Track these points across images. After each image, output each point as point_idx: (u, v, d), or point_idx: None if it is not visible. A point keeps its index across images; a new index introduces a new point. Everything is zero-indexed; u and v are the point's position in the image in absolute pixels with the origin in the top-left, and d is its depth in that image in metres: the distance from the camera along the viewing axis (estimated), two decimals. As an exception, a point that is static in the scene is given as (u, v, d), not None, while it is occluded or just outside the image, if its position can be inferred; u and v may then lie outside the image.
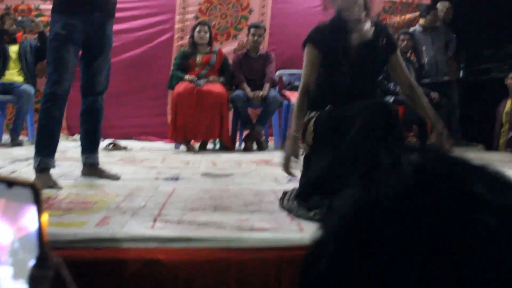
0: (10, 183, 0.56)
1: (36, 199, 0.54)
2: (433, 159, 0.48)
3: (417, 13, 6.45)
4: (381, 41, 2.50)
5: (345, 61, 2.44)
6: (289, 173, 2.47)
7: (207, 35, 5.27)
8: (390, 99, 5.56)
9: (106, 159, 3.77)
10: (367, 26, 2.52)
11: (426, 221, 0.42)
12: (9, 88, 5.23)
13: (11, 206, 0.56)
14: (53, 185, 2.85)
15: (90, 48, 3.14)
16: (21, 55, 5.39)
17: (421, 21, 6.15)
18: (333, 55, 2.47)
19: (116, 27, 5.90)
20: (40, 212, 0.55)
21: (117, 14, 5.87)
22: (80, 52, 3.16)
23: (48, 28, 3.76)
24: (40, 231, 0.55)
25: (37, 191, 0.54)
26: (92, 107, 3.20)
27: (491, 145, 5.85)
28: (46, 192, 2.66)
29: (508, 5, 5.91)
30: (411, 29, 6.09)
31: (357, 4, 2.47)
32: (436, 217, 0.42)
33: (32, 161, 3.04)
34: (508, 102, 5.74)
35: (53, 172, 3.02)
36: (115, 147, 5.03)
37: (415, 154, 0.49)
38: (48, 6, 5.79)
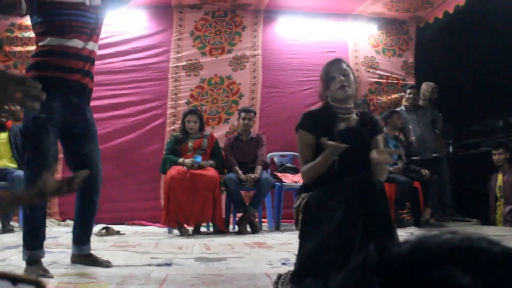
0: (15, 280, 0.57)
1: None
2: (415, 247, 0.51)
3: (402, 94, 6.67)
4: (365, 129, 2.63)
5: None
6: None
7: (197, 124, 5.36)
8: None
9: (98, 244, 3.73)
10: (353, 115, 2.68)
11: None
12: (3, 174, 5.24)
13: None
14: (44, 274, 2.80)
15: (73, 137, 3.08)
16: (11, 142, 5.44)
17: (403, 100, 6.36)
18: (320, 137, 2.55)
19: (110, 113, 6.14)
20: None
21: (111, 101, 6.16)
22: (64, 146, 3.11)
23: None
24: None
25: (41, 286, 0.55)
26: (88, 200, 3.14)
27: (486, 220, 5.86)
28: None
29: (491, 83, 6.14)
30: (398, 109, 6.27)
31: (352, 97, 2.67)
32: None
33: (21, 249, 3.00)
34: (499, 176, 5.81)
35: (44, 259, 2.98)
36: (108, 232, 4.98)
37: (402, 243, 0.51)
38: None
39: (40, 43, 3.04)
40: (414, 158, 6.04)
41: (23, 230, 3.06)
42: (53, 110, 2.92)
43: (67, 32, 3.00)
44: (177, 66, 6.48)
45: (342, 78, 2.61)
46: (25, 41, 6.23)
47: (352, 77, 2.67)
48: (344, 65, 2.69)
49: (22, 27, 6.27)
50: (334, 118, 2.62)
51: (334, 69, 2.66)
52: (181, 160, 5.17)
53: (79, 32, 3.05)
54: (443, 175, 6.21)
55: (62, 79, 2.99)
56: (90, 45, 3.11)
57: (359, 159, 2.57)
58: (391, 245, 0.51)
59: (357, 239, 2.13)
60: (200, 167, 5.12)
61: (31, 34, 6.28)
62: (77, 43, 3.03)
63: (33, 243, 2.95)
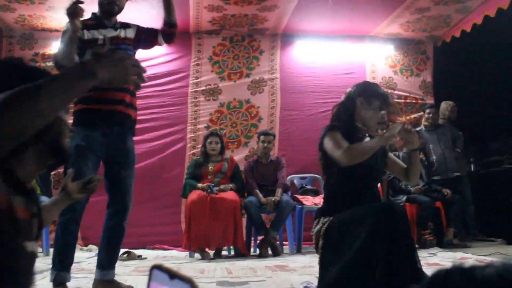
0: (173, 275, 0.63)
1: None
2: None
3: (421, 113, 6.64)
4: (383, 148, 2.65)
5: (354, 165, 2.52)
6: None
7: (219, 145, 5.43)
8: (403, 198, 5.58)
9: (120, 269, 3.75)
10: (366, 138, 2.68)
11: None
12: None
13: None
14: None
15: (113, 163, 3.21)
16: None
17: (423, 120, 6.33)
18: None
19: (130, 139, 6.21)
20: None
21: (132, 127, 6.22)
22: (104, 170, 3.23)
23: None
24: None
25: (195, 286, 0.61)
26: (118, 225, 3.22)
27: (511, 239, 5.75)
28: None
29: (510, 99, 6.10)
30: (417, 129, 6.24)
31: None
32: None
33: (46, 274, 3.05)
34: (524, 194, 5.73)
35: (68, 285, 3.01)
36: (130, 256, 5.02)
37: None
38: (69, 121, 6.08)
39: None
40: (436, 178, 5.99)
41: (53, 251, 3.12)
42: (94, 139, 3.09)
43: None
44: (196, 91, 6.57)
45: (385, 115, 2.59)
46: (48, 70, 6.38)
47: None
48: (389, 100, 2.65)
49: (45, 57, 6.44)
50: (353, 136, 2.59)
51: (379, 98, 2.61)
52: (199, 185, 5.21)
53: None
54: (465, 194, 6.13)
55: (106, 110, 3.13)
56: None
57: (373, 180, 2.57)
58: (472, 268, 0.55)
59: (378, 266, 2.12)
60: (221, 191, 5.15)
61: (54, 63, 6.45)
62: None
63: (61, 265, 3.01)
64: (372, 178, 2.57)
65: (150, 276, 0.66)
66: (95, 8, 3.35)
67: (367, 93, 2.62)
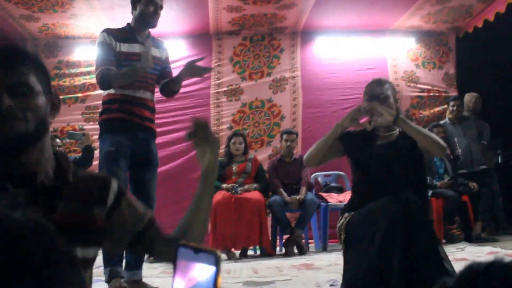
0: (197, 249, 0.68)
1: (216, 263, 0.66)
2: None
3: (445, 106, 6.55)
4: (407, 142, 2.59)
5: (370, 160, 2.54)
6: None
7: (242, 145, 5.46)
8: (428, 192, 5.52)
9: (148, 271, 3.80)
10: (396, 132, 2.68)
11: None
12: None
13: (198, 267, 0.68)
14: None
15: (137, 166, 3.31)
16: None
17: (447, 113, 6.24)
18: (359, 151, 2.62)
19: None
20: (217, 273, 0.65)
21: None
22: (129, 174, 3.33)
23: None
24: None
25: (218, 257, 0.66)
26: None
27: (542, 231, 5.64)
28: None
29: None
30: (441, 122, 6.16)
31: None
32: None
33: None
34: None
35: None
36: (157, 259, 5.07)
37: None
38: (91, 126, 6.19)
39: (109, 92, 3.31)
40: (462, 171, 5.90)
41: (102, 251, 3.21)
42: (121, 143, 3.23)
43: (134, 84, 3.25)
44: (218, 92, 6.61)
45: (378, 104, 2.59)
46: (72, 77, 6.52)
47: (392, 99, 2.66)
48: (384, 87, 2.67)
49: (69, 64, 6.57)
50: (374, 135, 2.65)
51: (373, 93, 2.66)
52: (223, 185, 5.25)
53: (145, 83, 3.32)
54: (493, 187, 6.02)
55: (128, 119, 3.27)
56: (148, 95, 3.38)
57: (398, 175, 2.56)
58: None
59: (396, 260, 2.11)
60: (245, 191, 5.17)
61: (78, 70, 6.57)
62: (142, 93, 3.32)
63: (112, 260, 3.16)
64: (392, 174, 2.55)
65: (176, 255, 0.70)
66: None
67: (366, 96, 2.71)
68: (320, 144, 2.63)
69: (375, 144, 2.62)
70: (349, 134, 2.71)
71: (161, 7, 3.35)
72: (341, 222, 2.59)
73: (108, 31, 3.29)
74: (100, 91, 3.61)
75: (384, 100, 2.61)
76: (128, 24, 3.39)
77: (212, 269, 0.66)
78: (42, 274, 0.56)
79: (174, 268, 0.70)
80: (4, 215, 0.58)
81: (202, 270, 0.67)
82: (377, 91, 2.65)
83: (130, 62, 3.19)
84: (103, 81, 3.18)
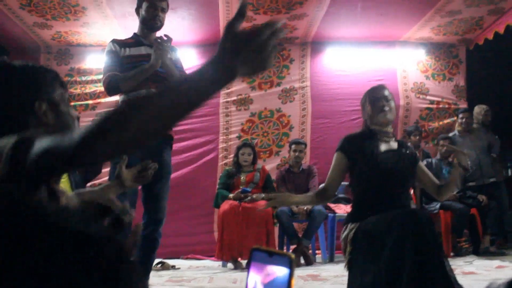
0: (272, 253, 0.72)
1: (290, 265, 0.69)
2: None
3: (455, 118, 6.54)
4: (404, 150, 2.72)
5: (373, 165, 2.57)
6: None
7: (251, 157, 5.47)
8: (436, 205, 5.51)
9: (154, 279, 3.82)
10: (393, 140, 2.77)
11: None
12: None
13: (271, 270, 0.72)
14: None
15: None
16: (71, 180, 5.66)
17: (457, 125, 6.22)
18: (362, 159, 2.64)
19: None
20: (291, 275, 0.69)
21: (164, 138, 6.32)
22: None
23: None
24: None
25: (291, 259, 0.69)
26: (151, 236, 3.26)
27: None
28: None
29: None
30: (450, 134, 6.15)
31: (391, 122, 2.75)
32: None
33: None
34: None
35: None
36: (163, 266, 5.09)
37: None
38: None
39: (121, 97, 3.31)
40: (471, 184, 5.88)
41: None
42: (132, 153, 3.16)
43: (144, 84, 3.19)
44: (227, 101, 6.63)
45: (385, 102, 2.69)
46: (83, 84, 6.58)
47: (393, 104, 2.75)
48: (386, 92, 2.76)
49: (80, 71, 6.63)
50: (375, 140, 2.69)
51: (376, 94, 2.73)
52: (230, 195, 5.25)
53: (159, 82, 3.25)
54: (503, 200, 5.98)
55: None
56: None
57: (400, 185, 2.58)
58: None
59: (405, 274, 2.11)
60: (253, 200, 5.17)
61: (89, 77, 6.63)
62: None
63: None
64: (396, 184, 2.59)
65: (250, 258, 0.73)
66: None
67: (363, 103, 2.79)
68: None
69: (377, 148, 2.64)
70: (349, 138, 2.75)
71: (163, 10, 3.35)
72: (345, 233, 2.60)
73: (114, 40, 3.32)
74: (111, 98, 3.62)
75: (388, 102, 2.71)
76: (135, 33, 3.43)
77: (286, 270, 0.69)
78: (114, 273, 0.66)
79: (248, 267, 0.73)
80: (85, 227, 0.69)
81: (277, 271, 0.70)
82: (383, 92, 2.74)
83: (137, 64, 3.19)
84: (111, 86, 3.16)
